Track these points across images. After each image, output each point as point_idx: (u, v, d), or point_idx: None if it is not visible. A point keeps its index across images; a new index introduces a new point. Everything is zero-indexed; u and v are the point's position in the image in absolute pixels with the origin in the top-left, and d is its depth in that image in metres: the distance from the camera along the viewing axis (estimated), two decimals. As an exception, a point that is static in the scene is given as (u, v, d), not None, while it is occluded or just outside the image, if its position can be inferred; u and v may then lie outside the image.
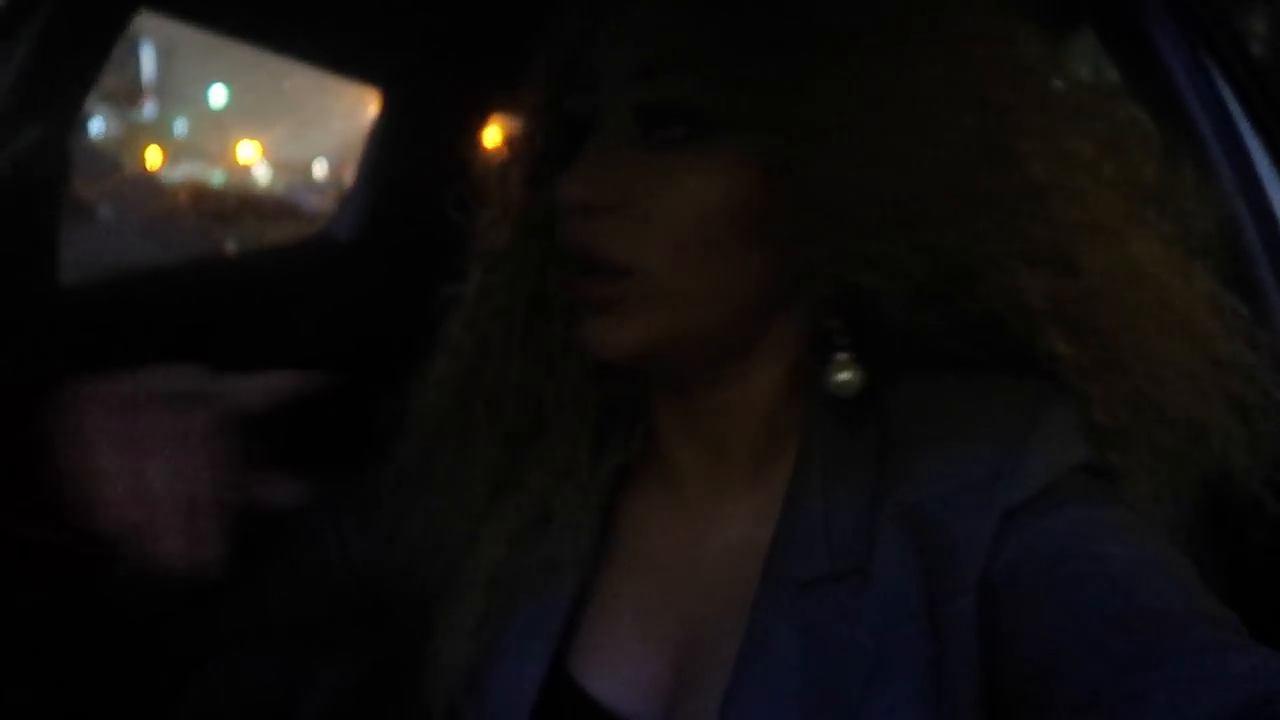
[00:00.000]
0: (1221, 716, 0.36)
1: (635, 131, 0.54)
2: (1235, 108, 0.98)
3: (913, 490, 0.53)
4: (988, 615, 0.49)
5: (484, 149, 0.75)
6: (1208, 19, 1.01)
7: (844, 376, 0.57)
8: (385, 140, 1.94)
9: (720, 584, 0.59)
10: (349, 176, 2.14)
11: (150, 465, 0.51)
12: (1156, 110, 1.03)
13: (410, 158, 1.87)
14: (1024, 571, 0.49)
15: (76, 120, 1.07)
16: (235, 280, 1.69)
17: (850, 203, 0.51)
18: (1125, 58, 1.04)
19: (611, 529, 0.64)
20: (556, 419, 0.63)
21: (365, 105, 2.09)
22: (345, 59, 1.77)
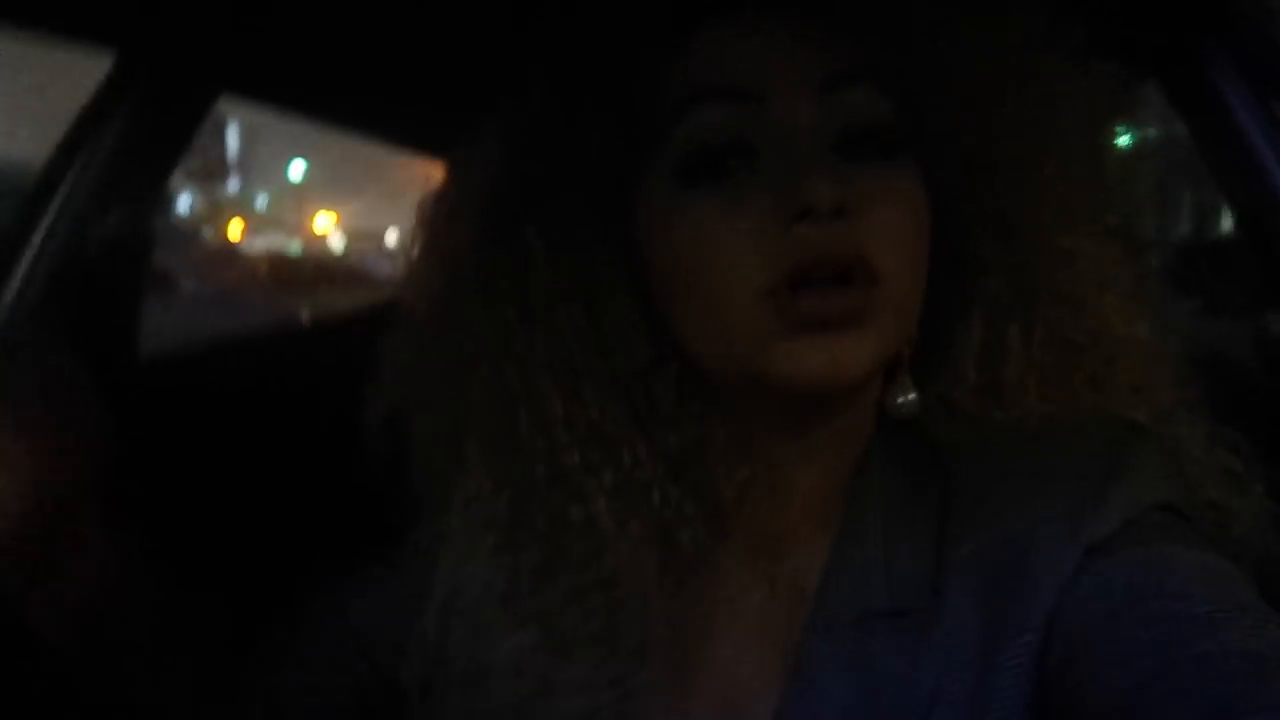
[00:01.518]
0: None
1: (833, 145, 0.52)
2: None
3: (987, 529, 0.51)
4: (1052, 653, 0.47)
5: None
6: (1276, 69, 0.99)
7: (908, 398, 0.56)
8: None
9: (767, 633, 0.57)
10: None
11: None
12: (1225, 161, 1.02)
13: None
14: (1098, 608, 0.46)
15: (162, 198, 1.13)
16: (309, 347, 1.74)
17: (1006, 211, 0.54)
18: (1192, 110, 1.02)
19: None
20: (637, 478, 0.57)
21: (435, 174, 2.16)
22: (413, 133, 1.83)
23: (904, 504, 0.55)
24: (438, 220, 0.63)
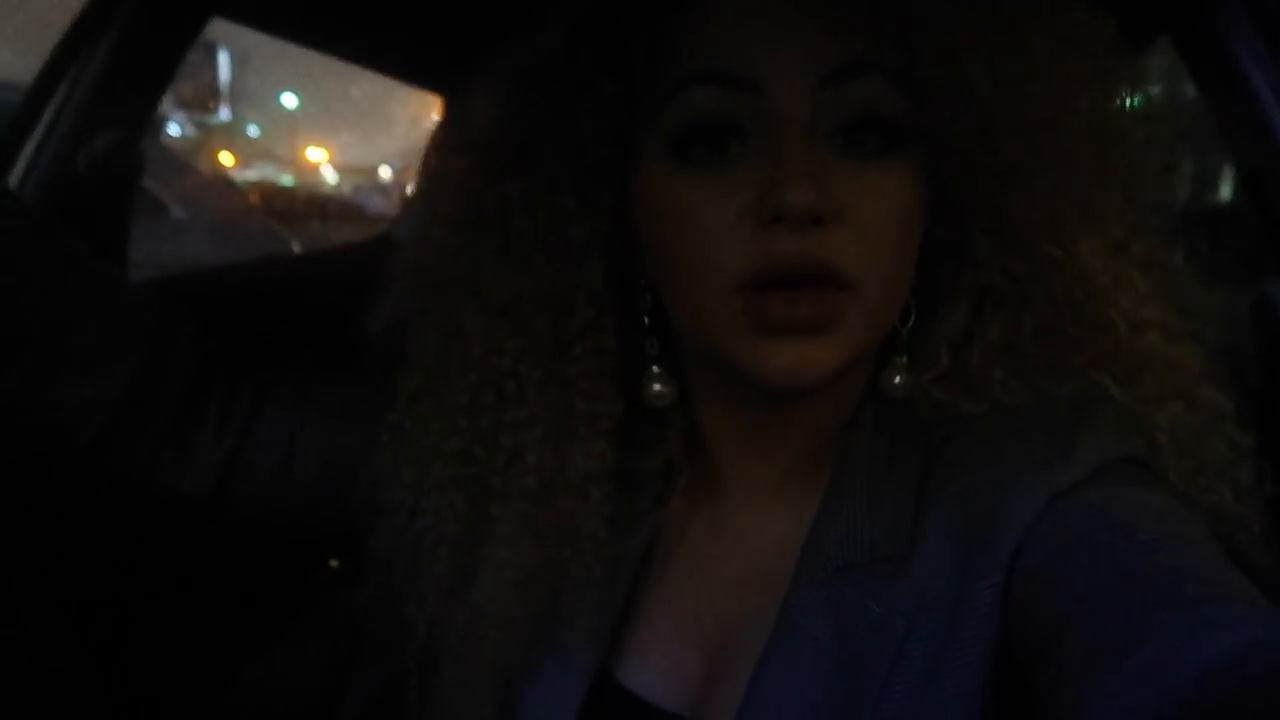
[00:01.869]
0: (1211, 662, 0.35)
1: (828, 139, 0.52)
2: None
3: (964, 477, 0.54)
4: (1013, 592, 0.49)
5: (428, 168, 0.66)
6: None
7: (901, 379, 0.58)
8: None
9: (757, 580, 0.60)
10: (414, 181, 2.17)
11: None
12: (1237, 124, 1.01)
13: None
14: (1053, 544, 0.48)
15: (151, 122, 1.11)
16: (300, 278, 1.73)
17: (1003, 206, 0.54)
18: (1202, 67, 1.01)
19: (646, 531, 0.64)
20: (575, 440, 0.60)
21: (430, 111, 2.12)
22: (409, 65, 1.80)
23: (888, 463, 0.58)
24: (434, 149, 0.65)
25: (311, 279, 1.73)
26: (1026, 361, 0.56)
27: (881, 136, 0.53)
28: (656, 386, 0.61)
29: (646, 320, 0.61)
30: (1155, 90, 0.60)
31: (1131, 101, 0.56)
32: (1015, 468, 0.52)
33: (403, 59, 1.73)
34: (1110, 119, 0.55)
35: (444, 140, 0.64)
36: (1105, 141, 0.54)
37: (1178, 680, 0.36)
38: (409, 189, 2.33)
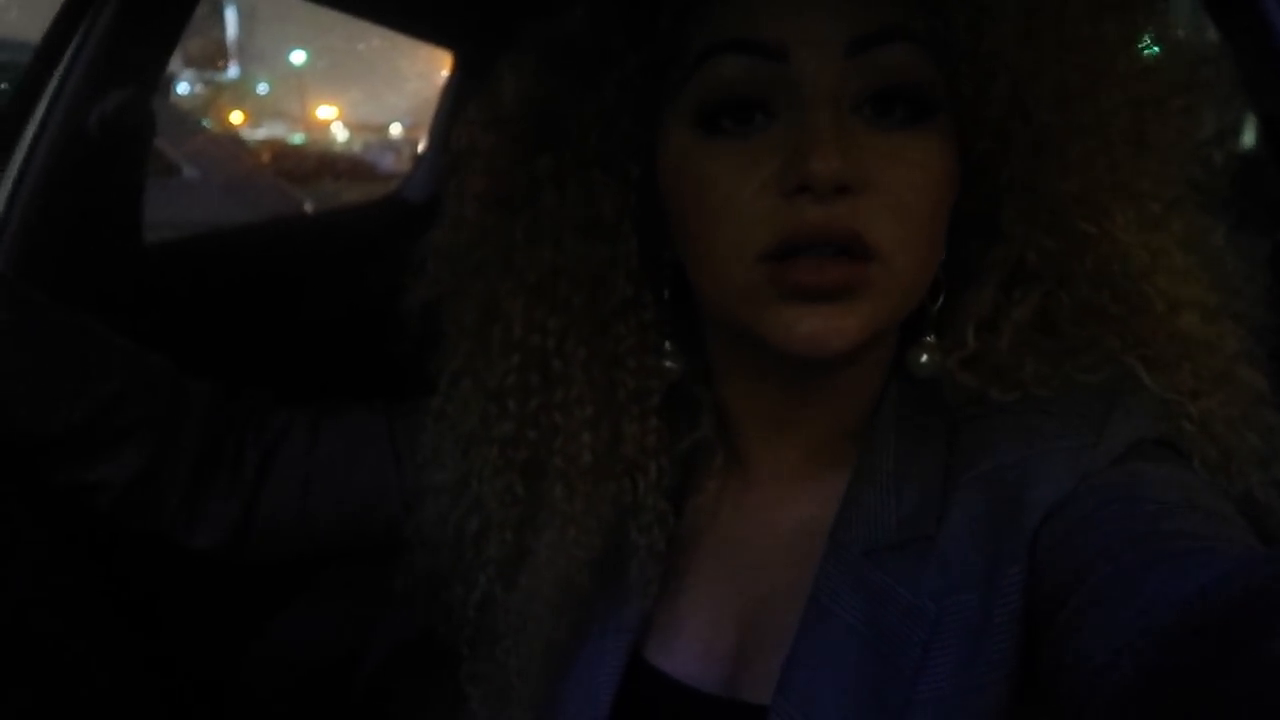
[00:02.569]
0: (1204, 592, 0.36)
1: (856, 108, 0.51)
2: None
3: (991, 459, 0.53)
4: (1036, 571, 0.49)
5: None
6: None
7: (929, 358, 0.57)
8: (458, 101, 1.95)
9: (786, 559, 0.60)
10: (424, 137, 2.16)
11: None
12: (1259, 70, 0.99)
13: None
14: (1071, 521, 0.49)
15: (160, 81, 1.10)
16: (313, 239, 1.73)
17: (1036, 178, 0.53)
18: (1225, 13, 0.99)
19: (680, 512, 0.64)
20: (627, 417, 0.60)
21: (439, 67, 2.10)
22: (418, 21, 1.78)
23: (914, 444, 0.57)
24: (462, 125, 0.64)
25: (325, 240, 1.73)
26: (1058, 343, 0.55)
27: (910, 106, 0.52)
28: (667, 363, 0.61)
29: (666, 294, 0.60)
30: (1181, 34, 0.58)
31: (1161, 57, 0.54)
32: (1045, 452, 0.52)
33: (411, 14, 1.71)
34: (1148, 87, 0.53)
35: (470, 116, 0.63)
36: (1143, 110, 0.53)
37: (1155, 615, 0.37)
38: (420, 146, 2.31)
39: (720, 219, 0.52)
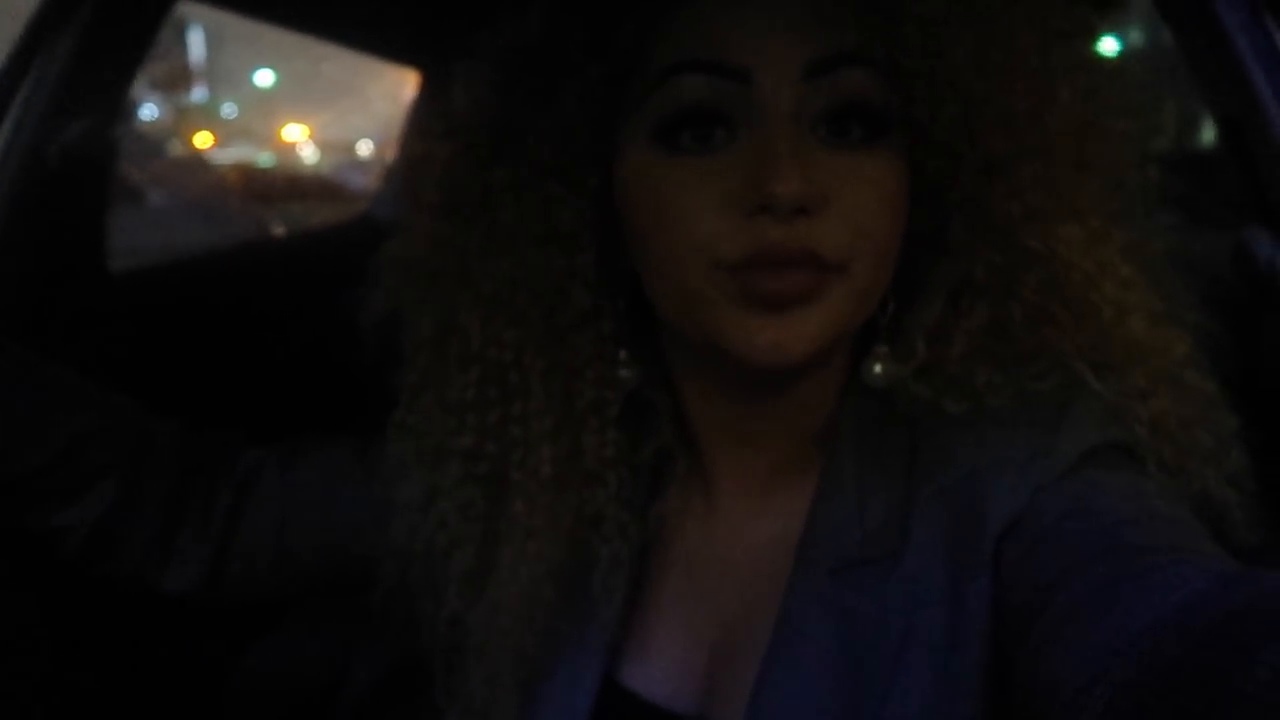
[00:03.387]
0: (1182, 615, 0.36)
1: (814, 128, 0.52)
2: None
3: (949, 472, 0.54)
4: (1000, 584, 0.50)
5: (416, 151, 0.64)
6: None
7: (883, 368, 0.58)
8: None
9: (754, 575, 0.60)
10: (393, 155, 2.15)
11: None
12: (1213, 72, 1.00)
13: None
14: (1032, 536, 0.50)
15: (123, 107, 1.09)
16: (282, 263, 1.71)
17: (983, 198, 0.54)
18: (1179, 16, 1.00)
19: (646, 522, 0.64)
20: (586, 429, 0.60)
21: (406, 86, 2.10)
22: (385, 41, 1.78)
23: (876, 458, 0.58)
24: (419, 134, 0.65)
25: (293, 264, 1.72)
26: (1009, 349, 0.55)
27: (867, 126, 0.52)
28: (623, 372, 0.61)
29: (621, 304, 0.60)
30: (1136, 35, 0.59)
31: (1101, 81, 0.56)
32: (999, 462, 0.53)
33: (377, 35, 1.71)
34: (1091, 111, 0.54)
35: (426, 126, 0.63)
36: (1086, 134, 0.54)
37: (1131, 637, 0.37)
38: (388, 163, 2.31)
39: (679, 228, 0.53)
